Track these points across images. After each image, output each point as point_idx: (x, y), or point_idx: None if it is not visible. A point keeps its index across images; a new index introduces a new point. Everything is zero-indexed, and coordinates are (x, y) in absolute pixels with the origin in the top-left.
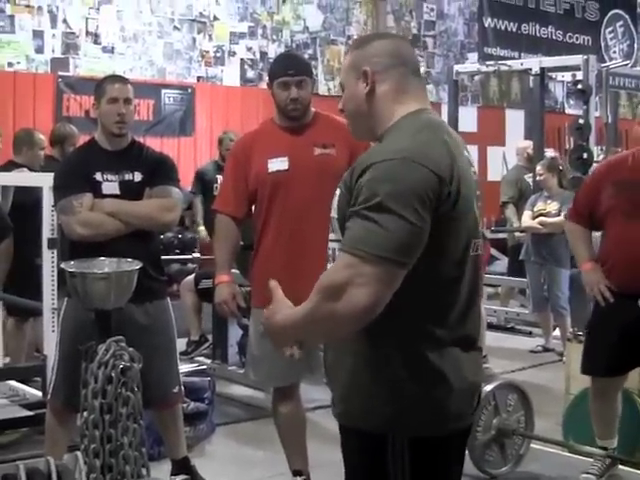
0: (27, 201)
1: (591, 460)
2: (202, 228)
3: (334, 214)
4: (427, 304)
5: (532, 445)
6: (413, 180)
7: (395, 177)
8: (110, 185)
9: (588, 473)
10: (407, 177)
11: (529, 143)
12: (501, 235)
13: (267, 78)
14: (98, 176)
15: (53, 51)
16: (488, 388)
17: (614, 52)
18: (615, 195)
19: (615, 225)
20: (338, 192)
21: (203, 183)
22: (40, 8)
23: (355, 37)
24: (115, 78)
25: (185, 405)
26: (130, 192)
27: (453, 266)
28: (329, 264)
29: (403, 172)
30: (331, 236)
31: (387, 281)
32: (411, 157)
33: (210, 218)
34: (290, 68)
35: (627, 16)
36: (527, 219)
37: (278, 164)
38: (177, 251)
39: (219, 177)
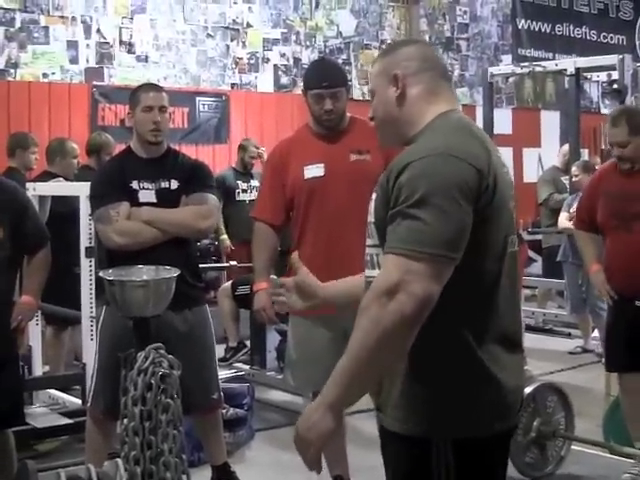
0: (64, 210)
1: (632, 461)
2: (225, 236)
3: (371, 219)
4: (469, 301)
5: (573, 447)
6: (452, 173)
7: (434, 172)
8: (147, 193)
9: (629, 473)
10: (446, 171)
11: None
12: (538, 237)
13: (302, 84)
14: (135, 184)
15: (87, 61)
16: (528, 390)
17: None
18: (604, 208)
19: (608, 234)
20: (374, 196)
21: (224, 189)
22: (74, 19)
23: (389, 41)
24: (150, 86)
25: (224, 411)
26: (167, 200)
27: (493, 261)
28: (367, 270)
29: (442, 166)
30: (368, 242)
31: (436, 276)
32: (448, 152)
33: (232, 225)
34: (324, 80)
35: None
36: (564, 220)
37: (314, 171)
38: (213, 258)
39: (240, 183)
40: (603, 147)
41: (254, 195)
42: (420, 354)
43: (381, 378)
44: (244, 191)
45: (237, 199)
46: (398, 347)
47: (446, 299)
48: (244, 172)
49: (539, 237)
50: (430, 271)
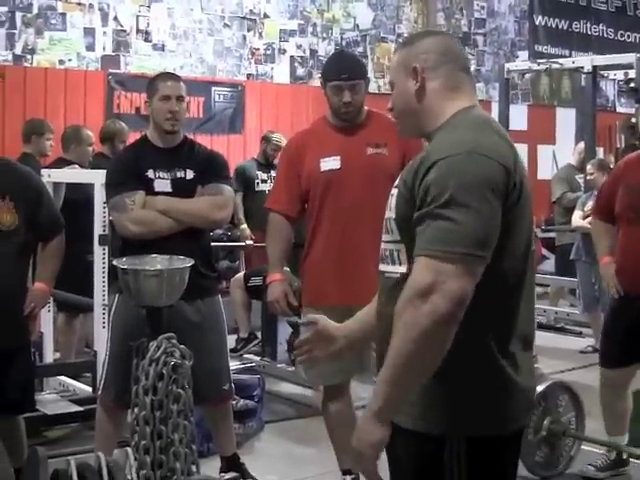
0: (78, 198)
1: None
2: (244, 226)
3: (391, 214)
4: (492, 302)
5: (583, 446)
6: (481, 172)
7: (462, 170)
8: (162, 183)
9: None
10: (474, 169)
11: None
12: (551, 234)
13: (318, 76)
14: (150, 173)
15: (104, 49)
16: (539, 388)
17: None
18: (622, 199)
19: (622, 227)
20: (396, 192)
21: (243, 180)
22: (91, 6)
23: (405, 35)
24: (168, 75)
25: (235, 402)
26: (182, 190)
27: (518, 261)
28: (382, 264)
29: (469, 165)
30: (386, 237)
31: (469, 275)
32: (475, 150)
33: (252, 215)
34: (344, 72)
35: None
36: (577, 219)
37: (330, 163)
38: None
39: (259, 174)
40: (618, 146)
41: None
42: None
43: (426, 380)
44: (263, 181)
45: (257, 189)
46: (437, 348)
47: (472, 301)
48: (265, 163)
49: (552, 235)
50: (462, 270)
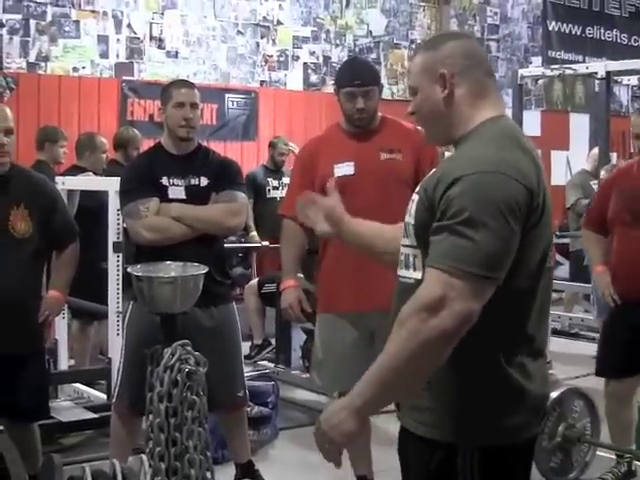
0: (92, 205)
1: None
2: (254, 233)
3: (410, 220)
4: (503, 318)
5: (598, 452)
6: (504, 193)
7: (485, 190)
8: (176, 189)
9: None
10: (498, 190)
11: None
12: (565, 240)
13: (332, 83)
14: (164, 180)
15: (117, 56)
16: (554, 395)
17: None
18: (617, 203)
19: (617, 233)
20: (417, 198)
21: (254, 187)
22: (105, 13)
23: (419, 41)
24: (182, 83)
25: (249, 409)
26: (196, 197)
27: (532, 277)
28: (400, 269)
29: (494, 185)
30: (405, 241)
31: (479, 295)
32: (501, 170)
33: (262, 222)
34: (357, 78)
35: None
36: None
37: (344, 169)
38: (240, 255)
39: (270, 180)
40: (632, 151)
41: (285, 192)
42: (453, 363)
43: (410, 391)
44: (275, 188)
45: (268, 196)
46: (432, 361)
47: (481, 315)
48: (275, 169)
49: (566, 241)
50: (473, 290)
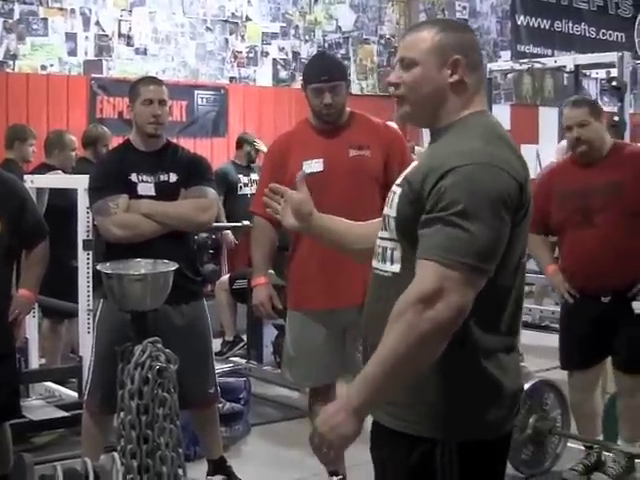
0: (62, 203)
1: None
2: (228, 231)
3: (391, 212)
4: (480, 311)
5: (569, 444)
6: (498, 186)
7: (479, 181)
8: (146, 186)
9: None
10: (492, 183)
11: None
12: None
13: (300, 79)
14: (134, 177)
15: (86, 53)
16: (525, 387)
17: None
18: (563, 206)
19: (568, 233)
20: (399, 191)
21: (226, 183)
22: (73, 11)
23: (388, 37)
24: (150, 80)
25: (221, 405)
26: (166, 193)
27: (508, 273)
28: (377, 262)
29: (487, 177)
30: (383, 234)
31: (473, 287)
32: (493, 162)
33: (234, 219)
34: (324, 74)
35: None
36: None
37: (314, 166)
38: (211, 251)
39: (241, 177)
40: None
41: (255, 189)
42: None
43: (407, 385)
44: (245, 185)
45: (239, 193)
46: (430, 354)
47: None
48: (245, 165)
49: None
50: (468, 281)
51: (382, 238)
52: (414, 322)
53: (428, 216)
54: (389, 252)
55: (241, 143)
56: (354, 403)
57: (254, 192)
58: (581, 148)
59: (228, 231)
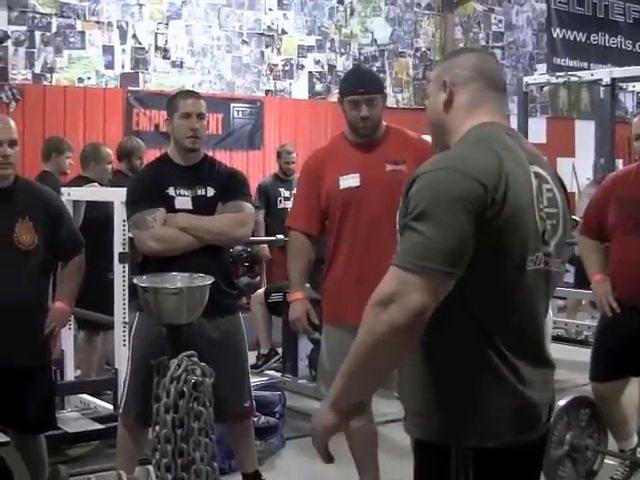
0: (98, 216)
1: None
2: (265, 245)
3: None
4: (484, 315)
5: (606, 461)
6: (454, 188)
7: (435, 185)
8: (183, 200)
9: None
10: (448, 185)
11: None
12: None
13: (337, 92)
14: (171, 191)
15: (123, 66)
16: (561, 403)
17: None
18: (618, 211)
19: (618, 240)
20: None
21: (266, 197)
22: (110, 24)
23: (423, 49)
24: (188, 93)
25: (256, 419)
26: (203, 207)
27: (509, 276)
28: None
29: (445, 181)
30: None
31: (431, 289)
32: (454, 166)
33: (273, 233)
34: (360, 86)
35: None
36: None
37: (349, 181)
38: (246, 264)
39: (282, 190)
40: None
41: None
42: (440, 366)
43: (382, 382)
44: (286, 199)
45: (279, 207)
46: (390, 355)
47: (464, 311)
48: (285, 179)
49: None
50: (425, 284)
51: None
52: (371, 325)
53: (401, 224)
54: None
55: (278, 156)
56: (331, 399)
57: None
58: None
59: (264, 245)
